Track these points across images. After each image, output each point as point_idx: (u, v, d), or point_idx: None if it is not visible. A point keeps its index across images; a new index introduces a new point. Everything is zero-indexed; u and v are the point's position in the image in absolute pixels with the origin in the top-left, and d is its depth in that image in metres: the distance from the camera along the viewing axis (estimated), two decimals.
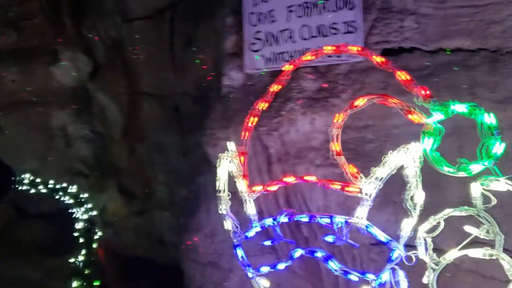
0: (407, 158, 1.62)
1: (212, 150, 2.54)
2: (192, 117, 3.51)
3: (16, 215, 6.41)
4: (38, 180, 5.40)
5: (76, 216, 4.58)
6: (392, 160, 1.63)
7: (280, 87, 2.01)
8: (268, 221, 1.91)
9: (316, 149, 2.44)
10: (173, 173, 3.95)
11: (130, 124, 4.35)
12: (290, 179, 1.87)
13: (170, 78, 3.76)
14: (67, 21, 4.76)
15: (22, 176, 5.56)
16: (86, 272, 3.63)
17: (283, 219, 1.88)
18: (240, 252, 1.98)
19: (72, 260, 3.89)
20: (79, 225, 4.30)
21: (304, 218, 1.84)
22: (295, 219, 1.86)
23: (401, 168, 1.65)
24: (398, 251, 1.68)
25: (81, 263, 3.68)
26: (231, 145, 1.93)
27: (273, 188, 1.92)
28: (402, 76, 1.78)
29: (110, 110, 4.70)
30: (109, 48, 4.52)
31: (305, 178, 1.85)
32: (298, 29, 2.54)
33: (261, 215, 2.66)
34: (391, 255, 1.70)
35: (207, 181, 2.87)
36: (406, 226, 1.67)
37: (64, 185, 5.15)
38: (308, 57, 1.99)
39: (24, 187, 5.46)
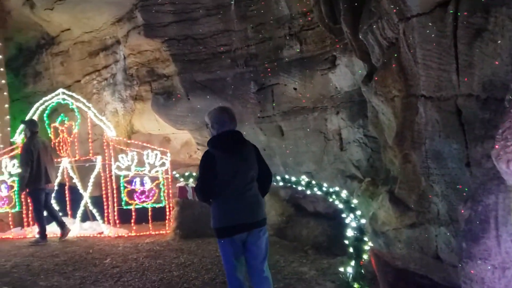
0: None
1: (506, 167, 2.18)
2: (478, 123, 3.13)
3: (295, 212, 7.25)
4: (313, 182, 5.94)
5: (347, 222, 4.79)
6: None
7: None
8: None
9: None
10: (453, 186, 3.62)
11: (404, 129, 4.23)
12: None
13: (452, 78, 3.45)
14: (344, 27, 5.03)
15: (301, 177, 6.22)
16: (355, 286, 3.70)
17: None
18: None
19: (341, 269, 4.04)
20: (349, 233, 4.46)
21: None
22: None
23: None
24: None
25: (350, 276, 3.77)
26: None
27: None
28: None
29: (384, 114, 4.71)
30: (385, 50, 4.52)
31: None
32: None
33: None
34: None
35: (497, 202, 2.49)
36: None
37: (337, 189, 5.49)
38: None
39: (301, 188, 6.10)
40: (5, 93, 9.31)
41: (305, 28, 6.52)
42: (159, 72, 8.34)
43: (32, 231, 8.33)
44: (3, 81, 9.30)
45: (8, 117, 9.41)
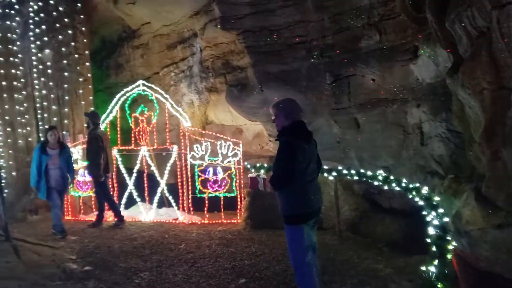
0: None
1: None
2: None
3: (369, 208, 7.14)
4: (391, 177, 5.80)
5: (428, 220, 4.63)
6: None
7: None
8: None
9: None
10: None
11: (494, 124, 4.03)
12: None
13: None
14: (429, 16, 4.85)
15: (377, 172, 6.10)
16: (439, 286, 3.59)
17: None
18: None
19: (423, 268, 3.94)
20: (430, 231, 4.32)
21: None
22: None
23: None
24: None
25: (433, 275, 3.67)
26: None
27: None
28: None
29: (471, 108, 4.50)
30: (473, 40, 4.31)
31: None
32: None
33: None
34: None
35: None
36: None
37: (417, 185, 5.33)
38: None
39: (378, 183, 5.97)
40: (89, 85, 10.01)
41: (385, 17, 6.35)
42: (233, 64, 8.52)
43: (112, 215, 8.90)
44: (89, 73, 9.98)
45: (92, 103, 10.10)
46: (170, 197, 8.96)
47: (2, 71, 9.06)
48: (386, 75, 6.32)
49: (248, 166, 8.29)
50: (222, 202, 8.43)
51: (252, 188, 7.96)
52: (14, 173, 9.01)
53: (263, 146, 9.31)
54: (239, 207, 8.51)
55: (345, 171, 6.52)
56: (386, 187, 5.88)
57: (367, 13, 6.51)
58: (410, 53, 5.99)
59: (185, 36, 9.50)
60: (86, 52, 9.98)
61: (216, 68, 8.89)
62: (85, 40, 9.90)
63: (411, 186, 5.35)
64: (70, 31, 9.52)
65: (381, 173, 6.00)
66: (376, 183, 6.01)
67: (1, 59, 9.06)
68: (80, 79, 9.69)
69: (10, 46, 9.14)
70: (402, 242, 6.14)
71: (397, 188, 5.62)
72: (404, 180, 5.58)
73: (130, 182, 9.06)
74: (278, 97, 7.43)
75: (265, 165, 8.06)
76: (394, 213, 6.77)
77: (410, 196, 5.29)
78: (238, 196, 8.48)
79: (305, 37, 7.31)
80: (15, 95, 9.13)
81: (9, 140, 9.04)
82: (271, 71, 7.71)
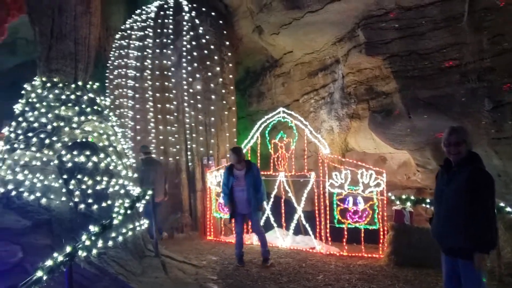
0: None
1: None
2: None
3: None
4: None
5: None
6: None
7: None
8: None
9: None
10: None
11: None
12: None
13: None
14: None
15: None
16: None
17: None
18: None
19: None
20: None
21: None
22: None
23: None
24: None
25: None
26: None
27: None
28: None
29: None
30: None
31: None
32: None
33: None
34: None
35: None
36: None
37: None
38: None
39: None
40: (234, 116, 10.91)
41: None
42: (378, 90, 8.43)
43: (250, 238, 9.27)
44: (233, 106, 10.85)
45: (235, 130, 10.86)
46: (307, 225, 9.03)
47: (159, 105, 10.29)
48: None
49: (393, 197, 7.97)
50: (362, 235, 8.22)
51: (397, 222, 7.75)
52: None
53: (410, 177, 8.93)
54: (381, 241, 8.20)
55: (508, 209, 5.94)
56: None
57: None
58: None
59: (327, 63, 9.72)
60: (232, 87, 10.83)
61: (359, 94, 8.88)
62: (231, 76, 10.78)
63: None
64: (218, 68, 10.50)
65: None
66: None
67: (158, 94, 10.27)
68: (226, 112, 10.56)
69: (166, 83, 10.33)
70: None
71: None
72: None
73: (268, 207, 9.35)
74: (427, 124, 7.19)
75: (412, 197, 7.70)
76: None
77: None
78: (381, 229, 8.19)
79: (459, 60, 6.97)
80: (168, 127, 10.27)
81: None
82: (420, 97, 7.46)
